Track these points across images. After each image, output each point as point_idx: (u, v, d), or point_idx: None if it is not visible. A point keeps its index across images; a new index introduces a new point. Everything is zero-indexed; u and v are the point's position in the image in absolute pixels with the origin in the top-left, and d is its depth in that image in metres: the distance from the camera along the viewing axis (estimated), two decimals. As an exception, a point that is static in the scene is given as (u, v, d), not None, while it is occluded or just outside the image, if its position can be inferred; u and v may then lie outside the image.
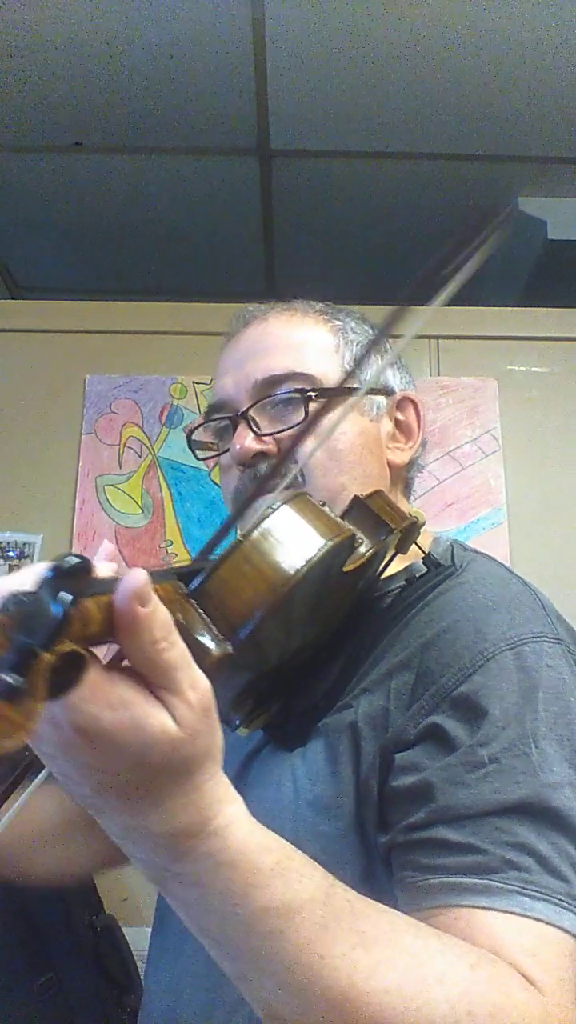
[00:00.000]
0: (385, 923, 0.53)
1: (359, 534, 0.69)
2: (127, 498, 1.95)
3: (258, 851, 0.50)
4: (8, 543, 1.90)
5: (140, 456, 1.98)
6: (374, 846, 0.66)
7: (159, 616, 0.45)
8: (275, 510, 0.60)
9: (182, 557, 1.91)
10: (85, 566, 0.41)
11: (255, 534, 0.58)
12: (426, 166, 2.17)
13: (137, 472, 1.97)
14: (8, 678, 0.36)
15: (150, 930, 0.85)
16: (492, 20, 1.75)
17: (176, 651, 0.46)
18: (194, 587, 0.55)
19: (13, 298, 2.68)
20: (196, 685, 0.46)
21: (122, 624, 0.43)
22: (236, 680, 0.65)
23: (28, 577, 0.44)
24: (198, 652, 0.49)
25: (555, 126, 2.02)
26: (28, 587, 0.40)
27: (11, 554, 1.90)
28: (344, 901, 0.52)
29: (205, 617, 0.54)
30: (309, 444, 0.81)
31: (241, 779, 0.78)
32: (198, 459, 0.96)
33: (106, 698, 0.43)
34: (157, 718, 0.45)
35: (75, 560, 0.41)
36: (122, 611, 0.43)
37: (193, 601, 0.55)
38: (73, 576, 0.40)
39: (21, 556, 1.89)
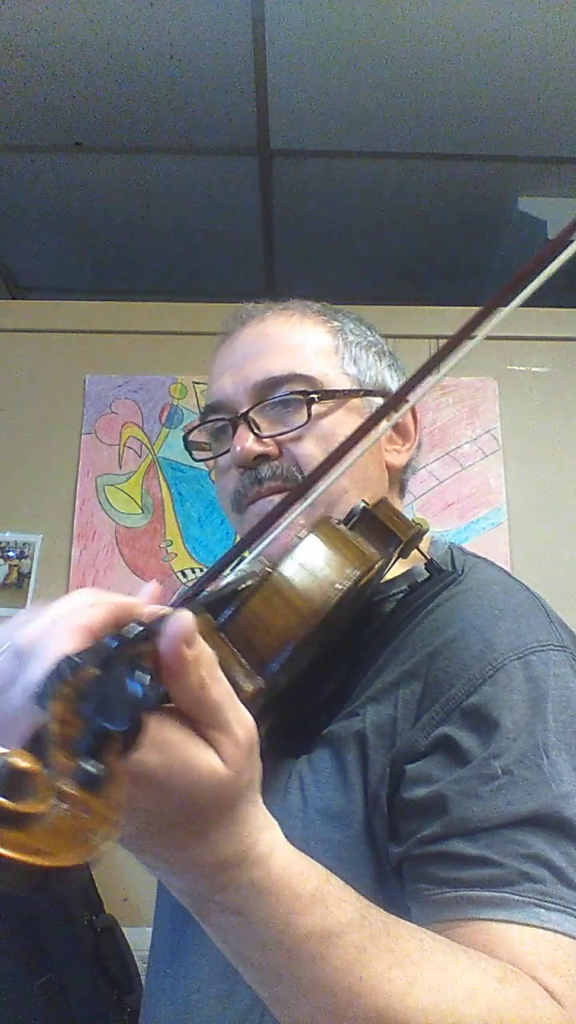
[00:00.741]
0: (416, 941, 0.54)
1: (376, 552, 0.69)
2: (127, 498, 1.95)
3: (298, 878, 0.50)
4: (8, 543, 1.90)
5: (140, 456, 1.98)
6: (384, 854, 0.66)
7: (205, 657, 0.44)
8: (302, 540, 0.60)
9: (182, 557, 1.91)
10: (148, 634, 0.39)
11: (284, 566, 0.57)
12: (426, 166, 2.17)
13: (137, 472, 1.97)
14: (91, 767, 0.33)
15: (151, 930, 0.84)
16: (492, 20, 1.74)
17: (221, 688, 0.46)
18: (224, 620, 0.55)
19: (13, 298, 2.67)
20: (242, 721, 0.47)
21: (169, 669, 0.43)
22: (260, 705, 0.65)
23: (58, 630, 0.42)
24: (232, 689, 0.49)
25: (555, 126, 2.02)
26: (74, 646, 0.38)
27: (11, 554, 1.90)
28: (379, 922, 0.53)
29: (236, 652, 0.54)
30: (310, 446, 0.80)
31: None
32: (195, 460, 0.95)
33: (152, 741, 0.42)
34: (204, 759, 0.45)
35: (138, 629, 0.39)
36: (169, 657, 0.43)
37: (223, 635, 0.54)
38: (137, 645, 0.39)
39: (21, 556, 1.89)
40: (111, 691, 0.36)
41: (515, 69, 1.86)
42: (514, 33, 1.77)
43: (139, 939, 1.42)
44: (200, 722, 0.45)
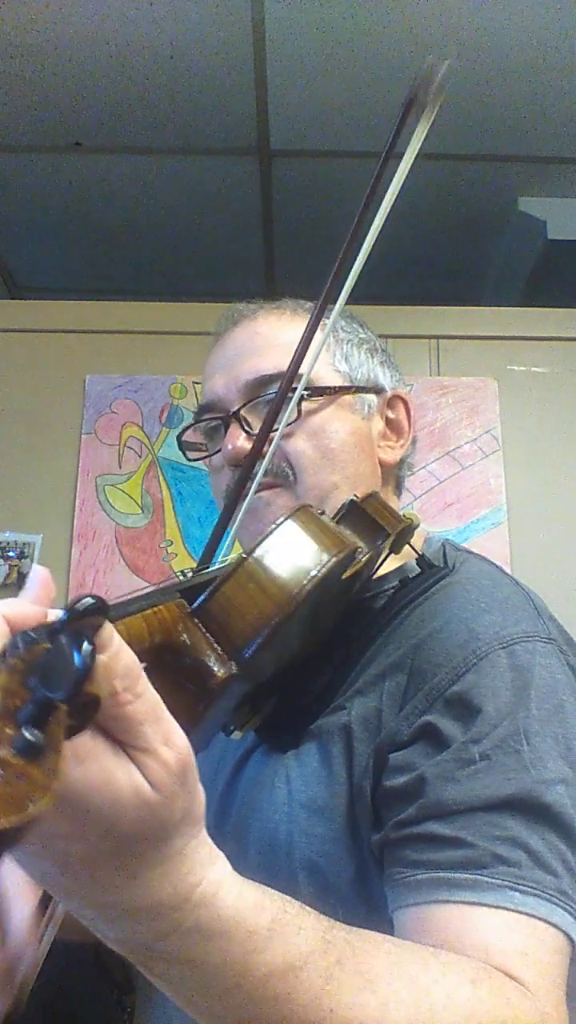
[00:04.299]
0: (384, 955, 0.52)
1: (359, 543, 0.69)
2: (127, 498, 1.95)
3: (252, 911, 0.45)
4: (8, 543, 1.90)
5: (140, 456, 1.98)
6: (367, 847, 0.66)
7: (120, 667, 0.39)
8: (278, 526, 0.59)
9: (182, 557, 1.91)
10: (102, 608, 0.38)
11: (259, 551, 0.57)
12: (426, 166, 2.17)
13: (137, 472, 1.97)
14: (29, 735, 0.33)
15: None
16: (492, 20, 1.75)
17: (142, 703, 0.40)
18: (197, 605, 0.54)
19: (13, 298, 2.68)
20: (171, 741, 0.41)
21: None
22: (235, 692, 0.65)
23: (24, 608, 0.40)
24: (203, 674, 0.48)
25: (555, 126, 2.02)
26: (34, 625, 0.38)
27: (11, 554, 1.90)
28: (344, 943, 0.49)
29: (209, 637, 0.53)
30: (300, 442, 0.81)
31: (235, 781, 0.78)
32: (189, 460, 0.96)
33: (72, 748, 0.37)
34: (128, 777, 0.39)
35: (90, 602, 0.38)
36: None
37: (197, 620, 0.54)
38: (89, 618, 0.38)
39: (21, 556, 1.89)
40: (54, 661, 0.36)
41: (515, 69, 1.86)
42: (514, 33, 1.77)
43: (139, 939, 1.41)
44: (120, 740, 0.40)
